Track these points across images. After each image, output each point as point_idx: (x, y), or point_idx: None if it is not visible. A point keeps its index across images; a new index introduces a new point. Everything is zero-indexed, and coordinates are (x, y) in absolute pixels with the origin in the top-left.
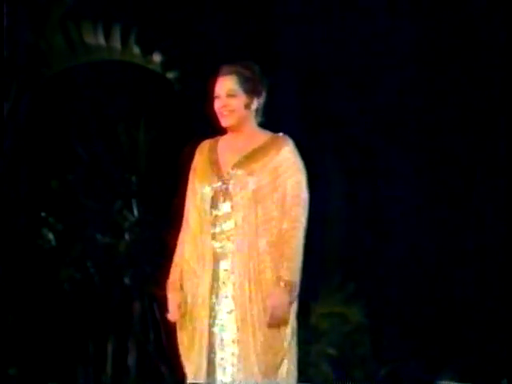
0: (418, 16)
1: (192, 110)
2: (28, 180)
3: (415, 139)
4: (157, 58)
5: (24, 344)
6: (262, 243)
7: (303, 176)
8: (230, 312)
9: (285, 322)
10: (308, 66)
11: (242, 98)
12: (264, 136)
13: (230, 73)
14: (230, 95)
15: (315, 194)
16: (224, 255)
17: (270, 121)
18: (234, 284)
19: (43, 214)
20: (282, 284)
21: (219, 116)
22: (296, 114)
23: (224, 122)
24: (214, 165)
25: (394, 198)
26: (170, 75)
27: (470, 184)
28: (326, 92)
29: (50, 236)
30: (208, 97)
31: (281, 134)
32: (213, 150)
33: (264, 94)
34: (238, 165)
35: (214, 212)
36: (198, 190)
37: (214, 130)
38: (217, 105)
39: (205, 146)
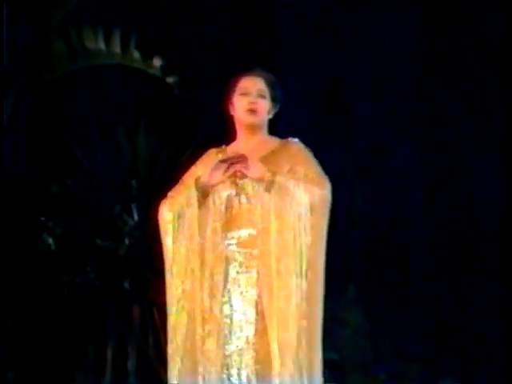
0: (427, 17)
1: (192, 114)
2: (28, 184)
3: (424, 144)
4: (157, 62)
5: (23, 348)
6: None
7: (318, 165)
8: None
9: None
10: (308, 70)
11: (268, 102)
12: (275, 142)
13: (259, 75)
14: (260, 95)
15: None
16: (236, 257)
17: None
18: (251, 282)
19: (43, 219)
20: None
21: (246, 112)
22: (303, 120)
23: (251, 119)
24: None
25: (395, 202)
26: (170, 80)
27: (472, 188)
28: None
29: (50, 240)
30: (207, 100)
31: (290, 138)
32: (221, 156)
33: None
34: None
35: (229, 214)
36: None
37: (215, 132)
38: (245, 101)
39: (212, 152)
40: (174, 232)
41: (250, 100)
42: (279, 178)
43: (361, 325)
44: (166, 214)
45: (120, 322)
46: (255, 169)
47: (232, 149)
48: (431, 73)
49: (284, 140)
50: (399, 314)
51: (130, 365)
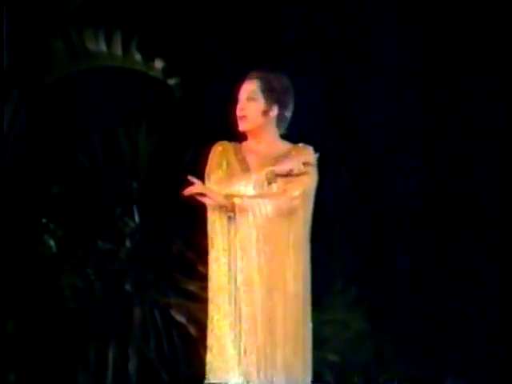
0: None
1: (193, 116)
2: (29, 186)
3: (426, 149)
4: (158, 64)
5: (24, 350)
6: None
7: (313, 177)
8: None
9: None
10: (306, 74)
11: (260, 104)
12: (285, 145)
13: (254, 77)
14: (249, 98)
15: (319, 200)
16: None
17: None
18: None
19: (44, 221)
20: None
21: (238, 119)
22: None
23: (240, 126)
24: (243, 163)
25: (396, 205)
26: (171, 82)
27: (475, 193)
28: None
29: (51, 242)
30: (208, 102)
31: (301, 144)
32: (239, 152)
33: (289, 107)
34: (265, 166)
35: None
36: (226, 186)
37: (216, 135)
38: (236, 108)
39: (228, 146)
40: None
41: (239, 106)
42: (238, 202)
43: (362, 327)
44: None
45: (121, 325)
46: (217, 198)
47: (247, 145)
48: (435, 77)
49: (295, 145)
50: (400, 316)
51: (131, 367)
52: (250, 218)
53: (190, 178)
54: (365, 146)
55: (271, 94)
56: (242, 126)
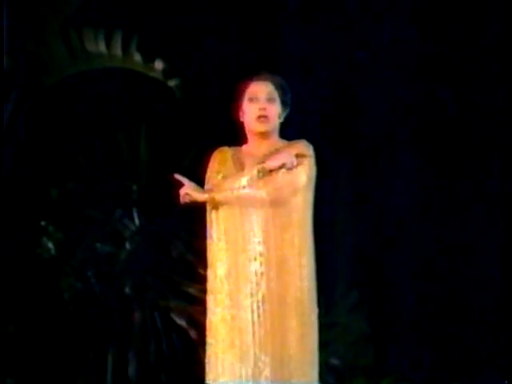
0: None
1: (193, 118)
2: (28, 188)
3: (427, 147)
4: (158, 65)
5: (23, 354)
6: None
7: (305, 177)
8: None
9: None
10: (306, 74)
11: (278, 106)
12: (283, 143)
13: (267, 79)
14: (269, 99)
15: (320, 202)
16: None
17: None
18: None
19: (43, 223)
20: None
21: (257, 120)
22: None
23: (261, 127)
24: (239, 166)
25: (397, 207)
26: (172, 83)
27: (476, 193)
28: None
29: (50, 245)
30: (209, 104)
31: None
32: (236, 156)
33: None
34: (261, 163)
35: None
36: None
37: (216, 137)
38: (253, 107)
39: (227, 153)
40: None
41: (260, 106)
42: (218, 196)
43: (363, 330)
44: None
45: (121, 328)
46: (197, 194)
47: (246, 150)
48: (436, 77)
49: (294, 141)
50: (401, 319)
51: (131, 371)
52: (237, 211)
53: (176, 176)
54: (365, 145)
55: (285, 98)
56: (263, 127)
